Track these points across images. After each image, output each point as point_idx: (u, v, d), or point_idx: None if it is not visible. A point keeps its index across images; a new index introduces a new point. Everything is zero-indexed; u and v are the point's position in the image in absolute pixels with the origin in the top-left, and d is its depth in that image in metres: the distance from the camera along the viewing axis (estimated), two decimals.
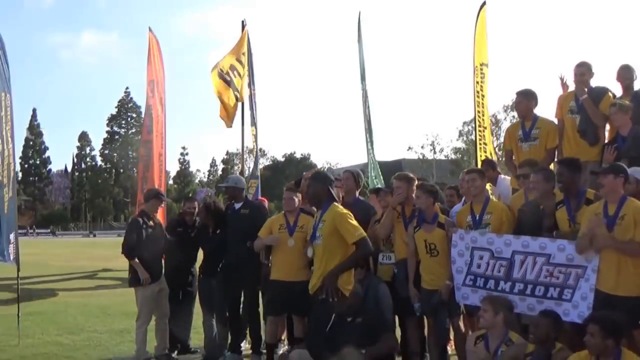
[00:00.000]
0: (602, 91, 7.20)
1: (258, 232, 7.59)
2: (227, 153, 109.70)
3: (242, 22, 10.45)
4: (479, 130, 9.11)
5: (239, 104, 10.51)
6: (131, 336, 8.88)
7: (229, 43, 10.21)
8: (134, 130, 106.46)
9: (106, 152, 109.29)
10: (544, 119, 7.53)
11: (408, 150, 76.91)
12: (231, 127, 10.33)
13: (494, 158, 8.86)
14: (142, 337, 8.05)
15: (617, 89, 7.45)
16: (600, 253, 5.61)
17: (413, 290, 6.90)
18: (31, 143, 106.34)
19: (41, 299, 14.81)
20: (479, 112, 9.07)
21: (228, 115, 10.16)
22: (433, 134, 79.51)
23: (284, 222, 7.60)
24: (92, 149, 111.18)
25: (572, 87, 7.46)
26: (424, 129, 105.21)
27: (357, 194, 8.10)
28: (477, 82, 9.05)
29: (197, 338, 8.80)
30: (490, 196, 7.40)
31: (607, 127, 7.31)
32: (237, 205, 8.24)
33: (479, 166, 8.52)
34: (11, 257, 9.41)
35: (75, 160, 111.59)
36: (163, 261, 8.49)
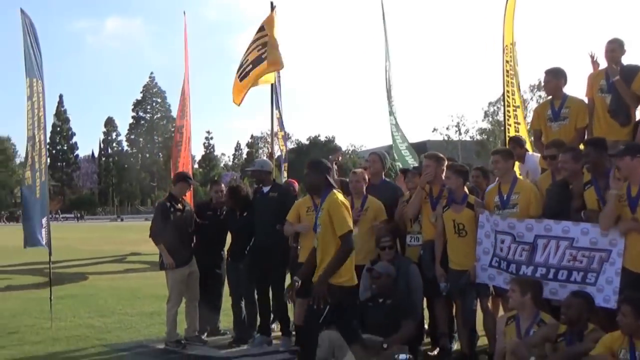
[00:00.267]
0: (635, 70, 7.02)
1: (286, 215, 7.62)
2: (252, 137, 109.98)
3: (271, 3, 10.36)
4: (509, 110, 8.99)
5: (269, 85, 10.47)
6: (161, 318, 8.99)
7: (254, 26, 10.17)
8: (159, 115, 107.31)
9: (132, 137, 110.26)
10: (574, 98, 7.41)
11: (433, 131, 76.65)
12: (238, 105, 10.24)
13: (526, 138, 8.74)
14: (172, 319, 8.13)
15: None
16: (627, 234, 5.55)
17: (440, 270, 6.88)
18: (58, 129, 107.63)
19: (72, 283, 15.05)
20: (508, 91, 8.96)
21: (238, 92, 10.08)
22: (458, 114, 78.74)
23: (311, 204, 7.61)
24: (118, 134, 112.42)
25: (603, 64, 7.32)
26: (449, 110, 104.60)
27: (383, 175, 8.10)
28: (507, 62, 8.93)
29: (226, 320, 8.87)
30: (519, 176, 7.35)
31: None
32: (266, 189, 8.25)
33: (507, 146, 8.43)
34: (43, 241, 9.54)
35: (101, 145, 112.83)
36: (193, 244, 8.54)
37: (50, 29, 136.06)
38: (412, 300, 6.86)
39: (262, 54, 9.89)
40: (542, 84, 8.24)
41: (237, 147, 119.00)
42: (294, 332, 7.93)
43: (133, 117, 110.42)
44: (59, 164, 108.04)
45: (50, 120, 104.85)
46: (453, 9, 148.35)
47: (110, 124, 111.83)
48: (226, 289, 8.74)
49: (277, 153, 10.71)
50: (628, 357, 4.81)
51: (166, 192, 9.48)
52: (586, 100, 7.38)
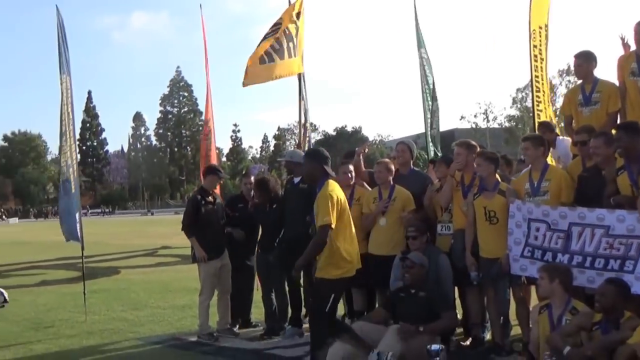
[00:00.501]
0: None
1: None
2: (279, 129, 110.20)
3: None
4: (538, 96, 8.85)
5: (296, 76, 10.42)
6: (193, 311, 9.05)
7: (275, 18, 10.06)
8: (186, 109, 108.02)
9: (160, 131, 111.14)
10: (605, 82, 7.25)
11: (460, 119, 76.25)
12: (245, 85, 10.07)
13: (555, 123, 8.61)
14: (204, 312, 8.18)
15: None
16: None
17: (470, 259, 6.80)
18: (88, 125, 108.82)
19: (105, 277, 15.25)
20: (536, 76, 8.81)
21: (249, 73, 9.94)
22: (486, 102, 78.15)
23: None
24: (146, 129, 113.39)
25: (633, 47, 7.16)
26: (477, 98, 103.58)
27: (412, 164, 8.05)
28: (535, 46, 8.78)
29: (258, 312, 8.91)
30: (550, 162, 7.24)
31: None
32: (296, 180, 8.23)
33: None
34: (78, 237, 9.65)
35: (130, 140, 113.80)
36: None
37: (78, 26, 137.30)
38: (444, 291, 6.81)
39: (289, 48, 9.81)
40: (572, 68, 8.10)
41: (265, 139, 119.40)
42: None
43: (161, 111, 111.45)
44: (89, 159, 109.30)
45: (80, 116, 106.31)
46: None
47: (138, 119, 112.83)
48: (257, 281, 8.77)
49: (303, 144, 10.68)
50: None
51: (195, 186, 9.52)
52: (617, 84, 7.23)
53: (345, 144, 78.91)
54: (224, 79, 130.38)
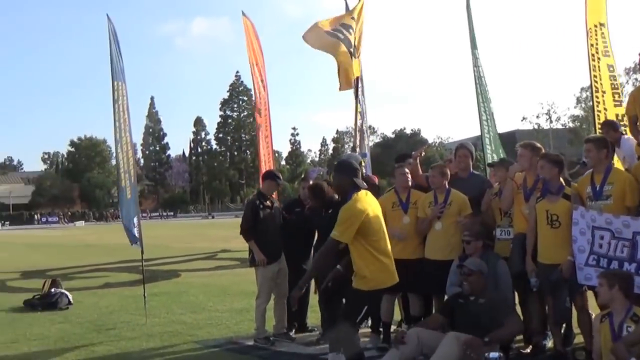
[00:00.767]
0: None
1: None
2: (337, 132, 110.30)
3: None
4: (597, 96, 8.58)
5: (353, 80, 10.35)
6: (250, 315, 9.09)
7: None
8: (245, 113, 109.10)
9: (220, 135, 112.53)
10: None
11: (522, 120, 74.86)
12: (344, 89, 10.02)
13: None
14: (261, 316, 8.20)
15: None
16: None
17: (530, 265, 6.60)
18: (151, 130, 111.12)
19: (165, 280, 15.49)
20: (595, 76, 8.56)
21: (343, 75, 9.83)
22: (548, 102, 76.48)
23: (396, 199, 7.54)
24: (207, 133, 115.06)
25: None
26: (539, 98, 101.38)
27: (471, 168, 7.91)
28: (592, 45, 8.52)
29: (314, 317, 8.89)
30: (614, 165, 6.99)
31: None
32: None
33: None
34: (137, 240, 9.84)
35: (192, 145, 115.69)
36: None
37: (141, 33, 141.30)
38: (504, 297, 6.64)
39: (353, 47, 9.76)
40: (637, 66, 7.82)
41: (323, 143, 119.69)
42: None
43: (221, 115, 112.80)
44: (152, 164, 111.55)
45: (143, 121, 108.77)
46: None
47: (199, 123, 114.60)
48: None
49: (360, 147, 10.62)
50: None
51: (254, 189, 9.57)
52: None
53: (404, 146, 78.49)
54: (281, 82, 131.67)
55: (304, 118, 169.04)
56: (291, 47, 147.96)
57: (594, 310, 6.56)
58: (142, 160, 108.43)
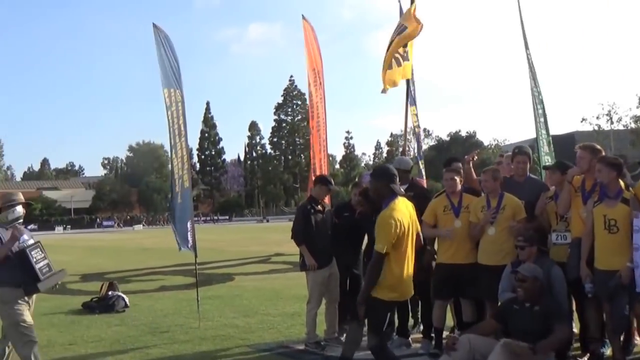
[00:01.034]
0: None
1: (422, 214, 7.47)
2: (392, 135, 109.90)
3: None
4: None
5: (404, 81, 10.28)
6: (302, 319, 9.10)
7: (390, 23, 9.99)
8: (299, 117, 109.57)
9: (275, 139, 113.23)
10: None
11: (582, 122, 73.31)
12: (385, 92, 10.02)
13: None
14: (312, 320, 8.19)
15: None
16: None
17: (585, 270, 6.40)
18: (206, 135, 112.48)
19: (219, 283, 15.65)
20: None
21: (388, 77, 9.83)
22: (609, 102, 74.55)
23: (447, 203, 7.44)
24: (261, 138, 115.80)
25: None
26: (599, 99, 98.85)
27: (528, 172, 7.75)
28: None
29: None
30: None
31: None
32: (403, 187, 8.11)
33: None
34: (189, 245, 9.94)
35: (246, 149, 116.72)
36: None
37: (199, 40, 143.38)
38: (558, 304, 6.46)
39: (405, 52, 9.74)
40: None
41: (377, 146, 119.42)
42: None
43: (275, 120, 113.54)
44: (207, 168, 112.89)
45: (198, 126, 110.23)
46: None
47: (254, 127, 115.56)
48: None
49: (412, 151, 10.53)
50: None
51: (308, 193, 9.57)
52: None
53: (460, 149, 77.63)
54: (336, 85, 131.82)
55: (359, 121, 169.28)
56: (345, 51, 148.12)
57: None
58: (198, 165, 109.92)
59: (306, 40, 10.92)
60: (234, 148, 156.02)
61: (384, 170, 6.03)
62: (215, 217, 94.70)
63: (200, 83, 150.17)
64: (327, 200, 9.16)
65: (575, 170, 6.78)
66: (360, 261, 8.56)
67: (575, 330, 7.34)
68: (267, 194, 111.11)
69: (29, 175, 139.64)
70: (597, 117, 72.20)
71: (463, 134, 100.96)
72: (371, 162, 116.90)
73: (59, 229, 74.61)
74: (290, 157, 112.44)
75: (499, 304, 6.80)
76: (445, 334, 7.74)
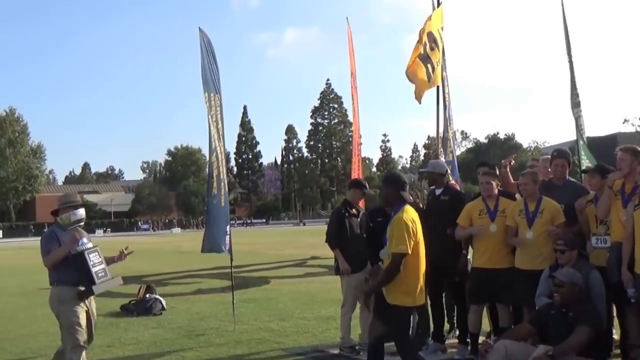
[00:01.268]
0: None
1: (457, 218, 7.40)
2: (429, 138, 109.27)
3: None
4: None
5: (435, 87, 10.21)
6: (337, 323, 9.07)
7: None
8: (336, 121, 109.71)
9: (311, 143, 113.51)
10: None
11: (624, 123, 71.88)
12: (420, 103, 9.97)
13: None
14: (346, 324, 8.16)
15: None
16: None
17: (627, 274, 6.24)
18: (243, 139, 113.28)
19: (255, 287, 15.71)
20: None
21: (419, 91, 9.82)
22: None
23: (483, 207, 7.34)
24: (298, 141, 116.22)
25: None
26: None
27: (567, 175, 7.61)
28: None
29: None
30: None
31: None
32: (438, 191, 8.07)
33: None
34: (226, 248, 9.98)
35: (283, 152, 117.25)
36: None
37: (235, 45, 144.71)
38: (591, 307, 6.31)
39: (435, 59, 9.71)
40: None
41: (414, 149, 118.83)
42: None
43: (312, 123, 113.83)
44: (245, 172, 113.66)
45: (236, 130, 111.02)
46: None
47: (290, 131, 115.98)
48: None
49: (444, 155, 10.42)
50: None
51: (345, 196, 9.55)
52: None
53: (498, 151, 76.79)
54: (374, 88, 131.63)
55: (395, 124, 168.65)
56: (382, 54, 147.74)
57: None
58: (235, 169, 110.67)
59: (349, 43, 10.99)
60: (270, 151, 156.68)
61: (395, 177, 6.20)
62: (249, 221, 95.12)
63: (237, 87, 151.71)
64: (361, 204, 9.12)
65: (616, 174, 6.64)
66: None
67: (616, 336, 7.19)
68: (303, 197, 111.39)
69: (70, 179, 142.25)
70: None
71: (501, 136, 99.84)
72: (408, 165, 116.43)
73: (99, 232, 75.65)
74: (326, 160, 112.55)
75: (537, 308, 6.69)
76: (481, 339, 7.66)
